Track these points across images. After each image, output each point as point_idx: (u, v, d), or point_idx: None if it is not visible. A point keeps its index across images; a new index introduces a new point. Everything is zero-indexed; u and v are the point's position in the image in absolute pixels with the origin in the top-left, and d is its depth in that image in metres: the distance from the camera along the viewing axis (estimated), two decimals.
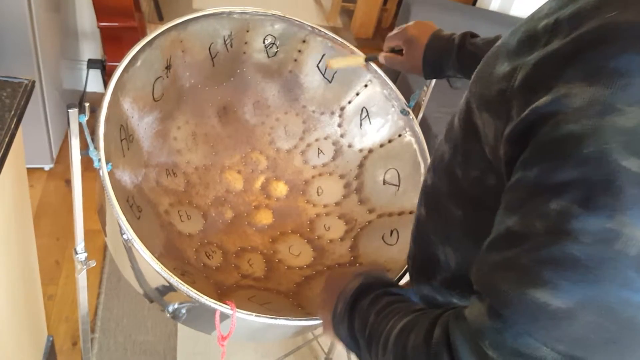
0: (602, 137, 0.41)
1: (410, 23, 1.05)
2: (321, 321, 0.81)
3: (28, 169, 2.17)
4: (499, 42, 0.61)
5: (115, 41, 2.21)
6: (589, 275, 0.42)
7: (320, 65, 1.28)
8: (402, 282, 0.99)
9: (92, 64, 2.35)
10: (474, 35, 0.98)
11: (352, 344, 0.70)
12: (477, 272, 0.51)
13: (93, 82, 2.49)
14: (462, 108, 0.65)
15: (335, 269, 0.86)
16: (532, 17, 0.56)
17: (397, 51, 1.08)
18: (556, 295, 0.43)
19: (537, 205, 0.45)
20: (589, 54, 0.43)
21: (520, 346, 0.45)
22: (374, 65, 1.24)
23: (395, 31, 1.07)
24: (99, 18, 2.13)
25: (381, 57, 1.11)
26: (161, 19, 3.17)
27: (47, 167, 2.22)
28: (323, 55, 1.26)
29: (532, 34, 0.52)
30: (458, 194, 0.67)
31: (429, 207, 0.75)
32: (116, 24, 2.16)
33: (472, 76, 0.63)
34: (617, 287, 0.41)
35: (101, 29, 2.17)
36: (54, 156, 2.21)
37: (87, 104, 0.88)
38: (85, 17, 2.44)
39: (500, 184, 0.53)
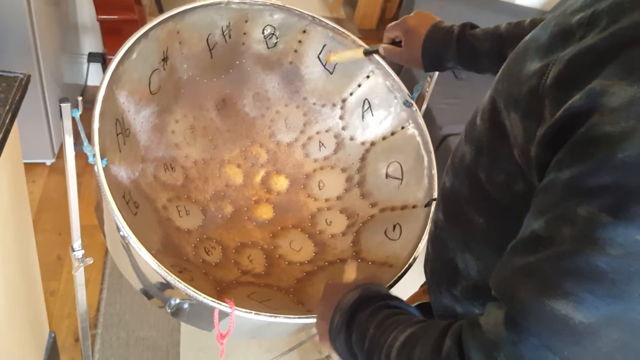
0: (639, 142, 0.39)
1: (411, 14, 1.03)
2: (318, 333, 0.78)
3: (29, 164, 2.17)
4: (527, 37, 0.57)
5: (116, 34, 2.19)
6: (615, 290, 0.39)
7: (321, 56, 1.25)
8: (406, 283, 0.97)
9: (92, 57, 2.34)
10: (473, 27, 0.95)
11: (349, 358, 0.67)
12: (497, 276, 0.49)
13: (94, 75, 2.47)
14: (486, 107, 0.61)
15: (334, 282, 0.83)
16: (564, 10, 0.52)
17: (396, 43, 1.06)
18: (579, 309, 0.40)
19: (566, 210, 0.42)
20: (630, 51, 0.40)
21: None
22: (376, 57, 1.21)
23: (394, 22, 1.04)
24: (99, 11, 2.11)
25: (381, 48, 1.09)
26: (161, 11, 3.14)
27: (48, 162, 2.21)
28: (324, 45, 1.23)
29: (565, 28, 0.48)
30: (480, 200, 0.63)
31: (447, 212, 0.72)
32: (116, 16, 2.14)
33: (498, 73, 0.60)
34: None
35: (101, 22, 2.15)
36: (56, 151, 2.20)
37: (80, 98, 0.86)
38: (85, 10, 2.42)
39: (529, 190, 0.50)
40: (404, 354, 0.54)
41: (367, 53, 1.17)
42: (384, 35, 1.08)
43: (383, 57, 1.17)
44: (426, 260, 0.80)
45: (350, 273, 0.94)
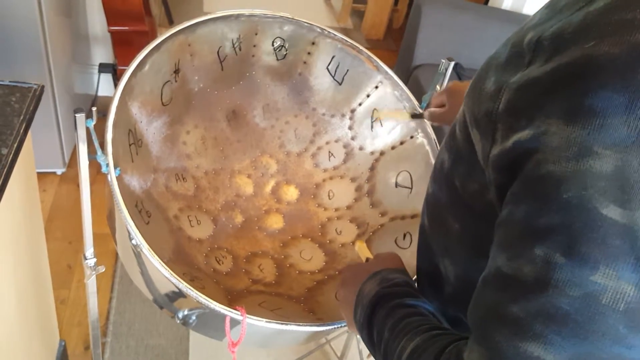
0: (581, 182, 0.39)
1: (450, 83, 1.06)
2: (346, 319, 0.80)
3: (40, 173, 2.19)
4: (493, 52, 0.58)
5: (126, 45, 2.21)
6: (579, 331, 0.40)
7: (329, 67, 1.26)
8: None
9: (103, 68, 2.36)
10: None
11: (372, 350, 0.69)
12: (473, 313, 0.50)
13: (104, 86, 2.50)
14: (461, 117, 0.62)
15: (350, 266, 0.84)
16: (523, 26, 0.53)
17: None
18: (549, 350, 0.41)
19: (524, 248, 0.43)
20: (566, 90, 0.41)
21: None
22: (384, 66, 1.22)
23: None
24: (110, 22, 2.14)
25: (426, 113, 1.12)
26: (172, 22, 3.18)
27: (59, 172, 2.23)
28: (333, 57, 1.25)
29: (518, 50, 0.49)
30: (457, 206, 0.64)
31: (430, 217, 0.73)
32: (127, 28, 2.17)
33: (468, 87, 0.61)
34: (609, 343, 0.39)
35: (112, 33, 2.18)
36: (66, 160, 2.23)
37: (94, 109, 0.88)
38: (96, 21, 2.45)
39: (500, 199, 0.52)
40: None
41: (414, 116, 1.20)
42: (432, 102, 1.11)
43: (429, 120, 1.19)
44: (417, 266, 0.81)
45: (364, 253, 0.94)
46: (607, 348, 0.40)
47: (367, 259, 0.87)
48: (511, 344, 0.43)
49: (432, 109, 1.09)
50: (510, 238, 0.45)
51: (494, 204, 0.52)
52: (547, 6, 0.51)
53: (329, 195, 1.27)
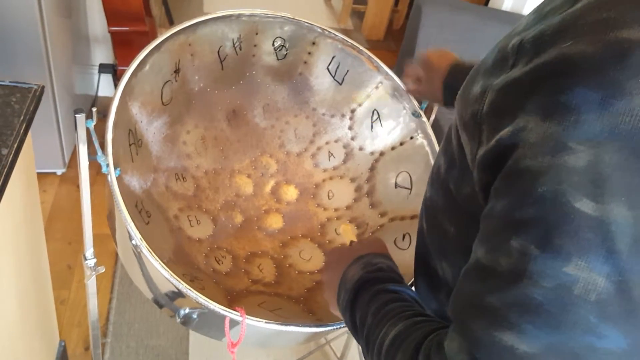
0: (556, 177, 0.40)
1: (430, 50, 1.05)
2: (329, 301, 0.80)
3: (40, 173, 2.19)
4: (483, 57, 0.59)
5: (126, 46, 2.21)
6: (552, 321, 0.41)
7: (330, 67, 1.26)
8: None
9: (103, 68, 2.36)
10: None
11: (354, 334, 0.69)
12: (453, 304, 0.51)
13: (105, 86, 2.50)
14: (454, 122, 0.63)
15: (336, 249, 0.85)
16: (511, 32, 0.54)
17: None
18: (522, 340, 0.42)
19: (501, 241, 0.44)
20: (544, 88, 0.42)
21: None
22: (384, 66, 1.22)
23: (414, 59, 1.10)
24: (110, 23, 2.14)
25: (404, 85, 1.16)
26: (172, 23, 3.18)
27: (59, 172, 2.23)
28: (333, 57, 1.25)
29: (504, 54, 0.50)
30: (452, 209, 0.65)
31: (428, 220, 0.74)
32: (127, 28, 2.17)
33: (460, 90, 0.62)
34: (580, 333, 0.40)
35: (112, 33, 2.18)
36: (66, 161, 2.23)
37: (94, 109, 0.88)
38: (97, 21, 2.45)
39: None
40: (390, 354, 0.57)
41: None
42: (407, 72, 1.13)
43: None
44: (414, 267, 0.81)
45: (348, 236, 0.94)
46: (578, 337, 0.40)
47: (352, 243, 0.87)
48: (487, 333, 0.44)
49: (409, 82, 1.11)
50: (490, 231, 0.47)
51: (483, 205, 0.52)
52: (534, 11, 0.53)
53: (328, 196, 1.28)
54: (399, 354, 0.55)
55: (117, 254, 1.97)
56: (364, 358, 0.65)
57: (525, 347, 0.42)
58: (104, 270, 1.07)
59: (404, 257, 1.08)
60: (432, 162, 1.16)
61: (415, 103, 1.21)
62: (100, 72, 2.37)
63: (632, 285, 0.39)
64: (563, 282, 0.40)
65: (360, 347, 1.63)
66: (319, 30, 1.22)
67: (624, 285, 0.39)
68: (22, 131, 0.99)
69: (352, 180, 1.28)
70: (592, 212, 0.39)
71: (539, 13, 0.50)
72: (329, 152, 1.30)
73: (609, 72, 0.39)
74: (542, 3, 0.53)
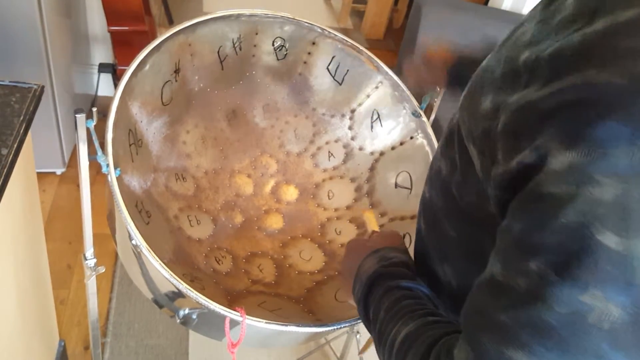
0: (580, 208, 0.40)
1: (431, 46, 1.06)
2: (343, 289, 0.82)
3: (40, 173, 2.19)
4: (483, 65, 0.58)
5: (126, 45, 2.21)
6: (563, 345, 0.41)
7: (330, 67, 1.26)
8: None
9: (103, 68, 2.36)
10: None
11: (367, 326, 0.70)
12: (465, 314, 0.51)
13: (104, 86, 2.50)
14: (455, 128, 0.62)
15: (356, 239, 0.86)
16: (515, 41, 0.53)
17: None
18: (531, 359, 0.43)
19: (519, 261, 0.45)
20: (567, 115, 0.41)
21: None
22: (384, 66, 1.22)
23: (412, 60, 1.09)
24: (109, 22, 2.14)
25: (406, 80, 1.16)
26: (171, 22, 3.18)
27: (59, 172, 2.23)
28: (333, 57, 1.25)
29: (514, 68, 0.49)
30: (454, 213, 0.65)
31: (427, 222, 0.73)
32: (126, 27, 2.17)
33: (461, 98, 0.60)
34: (590, 358, 0.41)
35: (112, 33, 2.18)
36: (66, 160, 2.22)
37: (94, 109, 0.88)
38: (96, 21, 2.45)
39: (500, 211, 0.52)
40: (401, 353, 0.57)
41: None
42: (405, 72, 1.12)
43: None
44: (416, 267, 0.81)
45: (371, 224, 0.95)
46: None
47: (372, 233, 0.88)
48: (497, 349, 0.45)
49: (411, 75, 1.10)
50: (508, 249, 0.47)
51: (495, 215, 0.52)
52: (539, 20, 0.51)
53: (328, 196, 1.27)
54: (410, 354, 0.56)
55: (117, 254, 1.97)
56: (376, 350, 0.65)
57: None
58: (103, 270, 1.07)
59: None
60: None
61: (415, 103, 1.21)
62: (100, 71, 2.36)
63: None
64: (578, 310, 0.41)
65: (359, 347, 1.64)
66: (319, 30, 1.22)
67: (639, 316, 0.40)
68: (21, 131, 0.99)
69: (352, 180, 1.28)
70: (614, 246, 0.39)
71: (547, 23, 0.49)
72: (329, 152, 1.30)
73: (638, 105, 0.38)
74: (543, 7, 0.52)
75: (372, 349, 0.74)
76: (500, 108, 0.49)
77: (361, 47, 1.23)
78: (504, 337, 0.45)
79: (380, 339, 0.64)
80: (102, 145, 0.88)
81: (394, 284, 0.67)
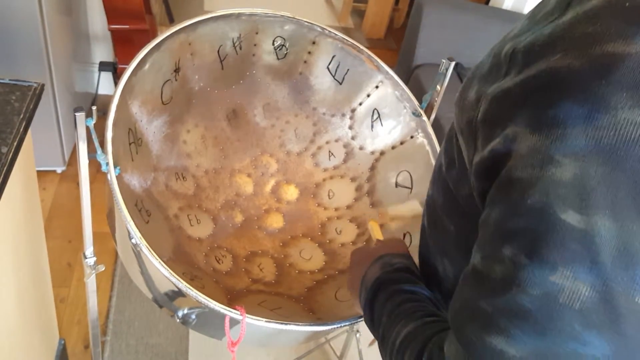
0: (543, 189, 0.41)
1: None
2: (352, 300, 0.84)
3: (40, 171, 2.19)
4: (479, 62, 0.60)
5: (127, 44, 2.21)
6: (538, 327, 0.42)
7: (330, 66, 1.26)
8: None
9: (103, 66, 2.36)
10: None
11: (373, 332, 0.71)
12: (451, 308, 0.52)
13: (105, 84, 2.50)
14: (452, 124, 0.64)
15: (359, 249, 0.88)
16: (505, 36, 0.55)
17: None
18: (511, 344, 0.44)
19: (495, 248, 0.46)
20: (532, 100, 0.43)
21: None
22: (384, 66, 1.22)
23: None
24: (110, 21, 2.14)
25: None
26: (172, 21, 3.17)
27: (59, 170, 2.23)
28: (333, 56, 1.25)
29: (498, 60, 0.51)
30: (452, 208, 0.66)
31: (429, 218, 0.75)
32: (127, 26, 2.17)
33: (456, 94, 0.63)
34: (565, 339, 0.42)
35: (112, 31, 2.18)
36: (66, 159, 2.22)
37: (94, 108, 0.87)
38: (97, 19, 2.45)
39: None
40: (400, 353, 0.59)
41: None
42: None
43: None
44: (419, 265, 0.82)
45: (375, 233, 0.96)
46: (563, 344, 0.42)
47: (377, 242, 0.89)
48: (480, 337, 0.46)
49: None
50: (485, 238, 0.48)
51: (481, 210, 0.54)
52: (528, 16, 0.53)
53: (329, 195, 1.27)
54: (407, 354, 0.57)
55: (117, 253, 1.97)
56: (380, 354, 0.67)
57: (514, 351, 0.43)
58: (103, 269, 1.07)
59: None
60: (433, 161, 1.16)
61: (416, 102, 1.21)
62: (100, 70, 2.37)
63: (616, 294, 0.40)
64: (549, 291, 0.41)
65: (360, 347, 1.64)
66: (319, 29, 1.22)
67: (608, 294, 0.40)
68: (22, 129, 0.99)
69: (353, 179, 1.27)
70: (577, 224, 0.40)
71: (533, 18, 0.51)
72: (330, 151, 1.30)
73: (594, 86, 0.39)
74: (538, 5, 0.54)
75: (375, 347, 0.75)
76: (481, 97, 0.50)
77: (361, 47, 1.23)
78: (484, 324, 0.46)
79: (383, 342, 0.65)
80: (102, 144, 0.88)
81: (396, 289, 0.69)
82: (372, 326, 0.70)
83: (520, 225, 0.43)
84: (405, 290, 0.68)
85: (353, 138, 1.29)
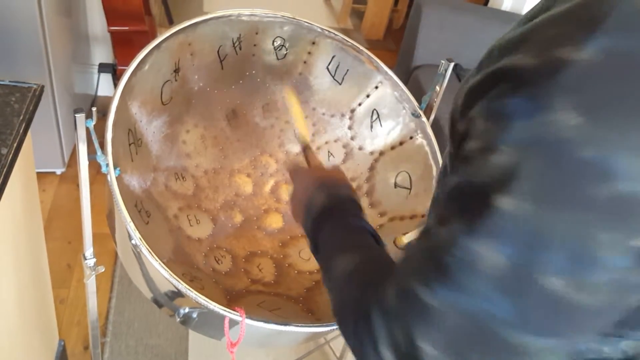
0: (483, 170, 0.46)
1: None
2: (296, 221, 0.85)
3: (40, 173, 2.19)
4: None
5: (126, 45, 2.21)
6: (456, 285, 0.47)
7: (329, 67, 1.26)
8: None
9: (103, 68, 2.36)
10: None
11: (317, 260, 0.74)
12: (401, 257, 0.57)
13: (104, 86, 2.50)
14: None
15: (302, 169, 0.90)
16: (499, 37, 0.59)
17: None
18: (434, 297, 0.48)
19: (440, 209, 0.51)
20: (491, 92, 0.47)
21: (405, 336, 0.50)
22: (384, 66, 1.22)
23: None
24: (110, 22, 2.14)
25: None
26: (171, 22, 3.18)
27: (59, 171, 2.23)
28: (333, 57, 1.25)
29: (482, 59, 0.55)
30: None
31: (433, 218, 0.76)
32: (126, 27, 2.17)
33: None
34: (479, 299, 0.46)
35: (112, 33, 2.18)
36: (66, 160, 2.22)
37: (94, 109, 0.88)
38: (96, 21, 2.45)
39: None
40: (345, 286, 0.62)
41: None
42: None
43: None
44: None
45: (291, 100, 0.97)
46: (478, 303, 0.46)
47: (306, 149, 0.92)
48: (409, 284, 0.50)
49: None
50: (439, 200, 0.54)
51: None
52: (521, 19, 0.56)
53: None
54: (352, 287, 0.61)
55: (116, 254, 1.97)
56: (323, 284, 0.71)
57: (431, 300, 0.48)
58: (103, 270, 1.07)
59: None
60: (432, 162, 1.16)
61: (415, 103, 1.21)
62: (99, 71, 2.37)
63: (526, 270, 0.44)
64: (471, 256, 0.46)
65: None
66: (319, 30, 1.22)
67: (519, 269, 0.44)
68: (21, 131, 0.99)
69: (352, 179, 1.27)
70: (506, 206, 0.44)
71: (521, 19, 0.55)
72: (329, 151, 1.30)
73: (541, 86, 0.43)
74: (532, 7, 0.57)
75: None
76: (462, 94, 0.55)
77: (361, 47, 1.23)
78: (414, 273, 0.51)
79: (326, 272, 0.68)
80: (102, 145, 0.88)
81: (341, 222, 0.73)
82: (316, 254, 0.73)
83: (462, 198, 0.48)
84: (350, 223, 0.72)
85: (352, 138, 1.29)
